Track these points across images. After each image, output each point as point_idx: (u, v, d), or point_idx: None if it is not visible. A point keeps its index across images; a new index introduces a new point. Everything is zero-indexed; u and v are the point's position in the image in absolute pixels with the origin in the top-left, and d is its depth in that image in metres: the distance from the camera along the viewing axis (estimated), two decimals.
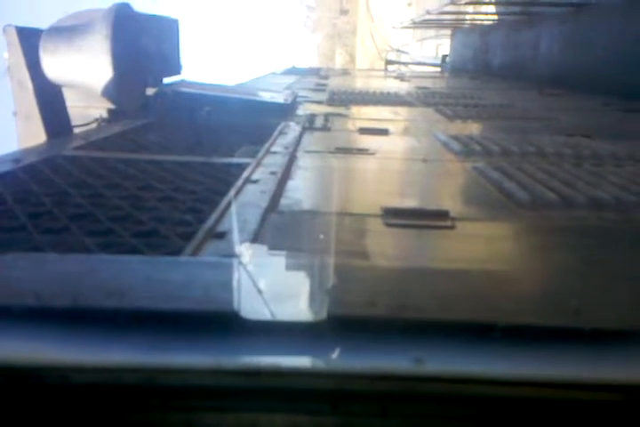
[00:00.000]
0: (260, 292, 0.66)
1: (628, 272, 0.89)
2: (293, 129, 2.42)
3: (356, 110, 3.38)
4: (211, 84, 3.36)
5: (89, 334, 0.59)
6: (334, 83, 5.61)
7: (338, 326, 0.59)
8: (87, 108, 2.51)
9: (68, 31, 2.24)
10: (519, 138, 2.24)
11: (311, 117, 2.84)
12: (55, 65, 2.19)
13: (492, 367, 0.56)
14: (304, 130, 2.44)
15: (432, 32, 13.25)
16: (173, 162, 1.70)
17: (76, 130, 2.38)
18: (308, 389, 0.57)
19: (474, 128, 2.88)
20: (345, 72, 8.77)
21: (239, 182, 1.42)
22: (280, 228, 1.16)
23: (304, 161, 1.83)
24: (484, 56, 8.13)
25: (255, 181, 1.45)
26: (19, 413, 0.58)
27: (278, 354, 0.57)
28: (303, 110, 3.19)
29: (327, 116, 2.90)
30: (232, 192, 1.33)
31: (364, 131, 2.51)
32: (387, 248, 1.14)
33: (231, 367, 0.56)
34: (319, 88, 4.86)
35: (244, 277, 0.70)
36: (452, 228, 1.19)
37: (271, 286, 0.69)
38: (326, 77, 6.50)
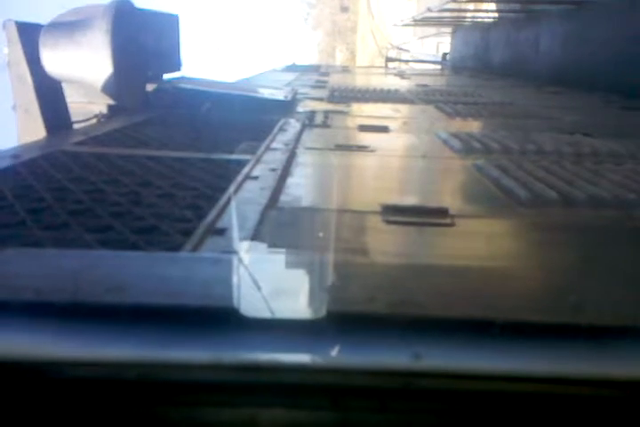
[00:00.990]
0: (259, 288, 0.66)
1: (626, 269, 0.89)
2: (293, 126, 2.42)
3: (356, 107, 3.37)
4: (211, 81, 3.36)
5: (88, 330, 0.59)
6: (334, 80, 5.60)
7: (337, 321, 0.59)
8: (87, 103, 2.51)
9: (68, 26, 2.24)
10: (519, 136, 2.24)
11: (311, 114, 2.84)
12: (55, 60, 2.19)
13: (490, 363, 0.57)
14: (304, 127, 2.44)
15: (433, 30, 13.23)
16: (173, 158, 1.70)
17: (76, 126, 2.38)
18: (307, 384, 0.57)
19: (474, 126, 2.87)
20: (345, 69, 8.75)
21: (239, 179, 1.42)
22: (280, 224, 1.16)
23: (304, 158, 1.83)
24: (485, 54, 8.12)
25: (255, 178, 1.45)
26: (18, 407, 0.58)
27: (278, 349, 0.57)
28: (303, 107, 3.19)
29: (327, 113, 2.90)
30: (232, 188, 1.33)
31: (364, 128, 2.51)
32: (386, 245, 1.14)
33: (231, 363, 0.56)
34: (319, 85, 4.85)
35: (243, 273, 0.71)
36: (451, 225, 1.19)
37: (271, 281, 0.69)
38: (326, 74, 6.49)
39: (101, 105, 2.52)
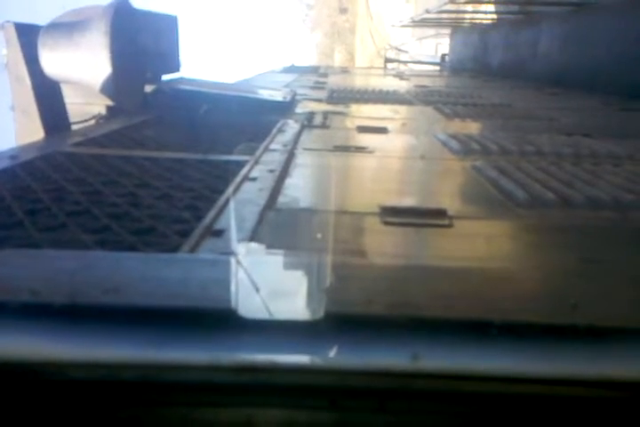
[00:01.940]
0: (257, 289, 0.66)
1: (625, 271, 0.89)
2: (292, 127, 2.42)
3: (354, 108, 3.37)
4: (209, 82, 3.36)
5: (86, 331, 0.58)
6: (333, 81, 5.60)
7: (335, 323, 0.59)
8: (85, 104, 2.51)
9: (66, 27, 2.24)
10: (518, 137, 2.24)
11: (310, 115, 2.84)
12: (54, 61, 2.19)
13: (488, 364, 0.56)
14: (303, 128, 2.44)
15: (431, 31, 13.25)
16: (171, 159, 1.70)
17: (75, 127, 2.38)
18: (305, 385, 0.57)
19: (473, 127, 2.87)
20: (344, 70, 8.76)
21: (237, 180, 1.42)
22: (278, 226, 1.15)
23: (302, 159, 1.83)
24: (484, 55, 8.13)
25: (253, 179, 1.45)
26: (15, 409, 0.58)
27: (276, 351, 0.57)
28: (302, 108, 3.19)
29: (326, 114, 2.90)
30: (230, 190, 1.33)
31: (362, 129, 2.51)
32: (384, 246, 1.14)
33: (229, 364, 0.56)
34: (318, 86, 4.85)
35: (241, 274, 0.70)
36: (449, 226, 1.19)
37: (268, 283, 0.69)
38: (325, 75, 6.49)
39: (100, 106, 2.52)
